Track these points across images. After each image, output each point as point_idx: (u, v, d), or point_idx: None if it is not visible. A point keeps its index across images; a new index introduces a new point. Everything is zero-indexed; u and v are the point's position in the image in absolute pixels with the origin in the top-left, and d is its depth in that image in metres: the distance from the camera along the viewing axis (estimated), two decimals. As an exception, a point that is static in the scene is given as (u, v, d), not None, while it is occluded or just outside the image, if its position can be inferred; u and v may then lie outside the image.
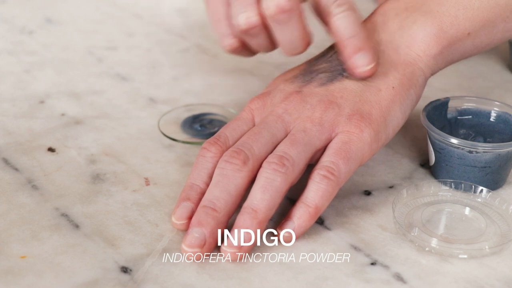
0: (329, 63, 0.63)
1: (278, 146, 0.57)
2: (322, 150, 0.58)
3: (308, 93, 0.60)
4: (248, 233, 0.54)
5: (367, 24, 0.64)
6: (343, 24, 0.60)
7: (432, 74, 0.63)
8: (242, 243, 0.54)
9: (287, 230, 0.56)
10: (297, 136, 0.58)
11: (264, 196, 0.55)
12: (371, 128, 0.58)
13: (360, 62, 0.60)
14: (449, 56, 0.63)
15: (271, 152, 0.57)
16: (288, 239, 0.56)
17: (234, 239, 0.54)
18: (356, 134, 0.58)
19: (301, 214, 0.56)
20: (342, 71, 0.61)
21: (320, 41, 0.69)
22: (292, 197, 0.59)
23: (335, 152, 0.57)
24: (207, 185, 0.57)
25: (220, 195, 0.55)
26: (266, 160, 0.56)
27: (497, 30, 0.64)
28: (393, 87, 0.60)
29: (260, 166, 0.57)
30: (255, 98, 0.62)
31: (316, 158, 0.58)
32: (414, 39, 0.62)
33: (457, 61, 0.65)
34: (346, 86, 0.60)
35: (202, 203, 0.56)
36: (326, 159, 0.57)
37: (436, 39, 0.62)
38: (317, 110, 0.59)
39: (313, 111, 0.59)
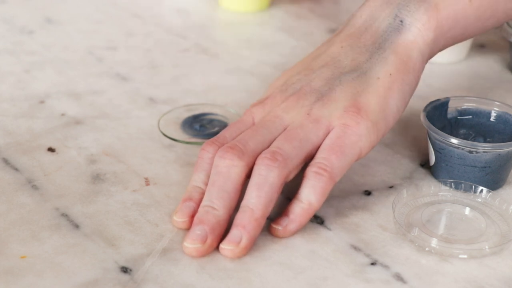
0: (328, 57, 0.62)
1: (274, 142, 0.58)
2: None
3: (308, 90, 0.60)
4: (246, 231, 0.54)
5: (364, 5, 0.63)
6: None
7: (431, 55, 0.63)
8: (240, 241, 0.54)
9: (282, 225, 0.56)
10: (292, 132, 0.58)
11: (260, 193, 0.55)
12: (368, 120, 0.58)
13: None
14: (450, 30, 0.62)
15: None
16: (282, 234, 0.56)
17: (232, 236, 0.54)
18: (351, 128, 0.58)
19: (294, 210, 0.56)
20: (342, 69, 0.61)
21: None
22: (292, 196, 0.58)
23: (328, 148, 0.57)
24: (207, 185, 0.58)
25: (217, 194, 0.56)
26: (259, 156, 0.57)
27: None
28: (390, 74, 0.60)
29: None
30: (256, 102, 0.62)
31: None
32: (418, 9, 0.61)
33: (459, 40, 0.63)
34: (345, 78, 0.60)
35: (202, 203, 0.56)
36: (319, 156, 0.57)
37: (435, 7, 0.61)
38: (314, 107, 0.59)
39: (310, 108, 0.59)
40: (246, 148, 0.57)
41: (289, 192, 0.58)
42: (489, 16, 0.63)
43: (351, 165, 0.58)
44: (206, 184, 0.58)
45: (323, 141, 0.58)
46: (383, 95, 0.59)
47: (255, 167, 0.56)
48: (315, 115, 0.59)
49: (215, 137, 0.60)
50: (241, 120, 0.61)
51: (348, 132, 0.58)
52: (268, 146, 0.58)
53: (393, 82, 0.60)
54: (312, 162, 0.57)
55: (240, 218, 0.55)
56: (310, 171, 0.57)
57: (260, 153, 0.57)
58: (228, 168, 0.56)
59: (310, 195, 0.56)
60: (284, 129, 0.59)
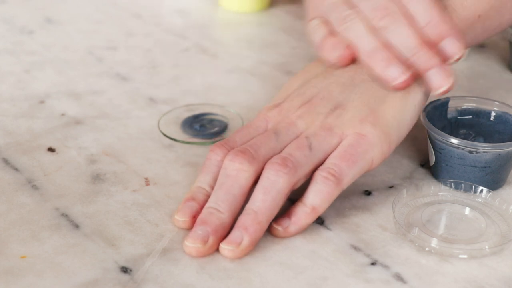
0: None
1: (285, 148, 0.57)
2: None
3: (325, 96, 0.60)
4: (248, 233, 0.54)
5: None
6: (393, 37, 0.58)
7: None
8: (241, 242, 0.54)
9: (283, 226, 0.56)
10: (304, 140, 0.57)
11: (266, 197, 0.55)
12: (381, 130, 0.58)
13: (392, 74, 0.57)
14: None
15: None
16: (282, 235, 0.56)
17: (233, 237, 0.54)
18: (364, 137, 0.58)
19: (297, 213, 0.56)
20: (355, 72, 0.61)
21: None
22: (295, 198, 0.58)
23: (339, 155, 0.57)
24: (213, 188, 0.57)
25: (224, 197, 0.55)
26: (269, 160, 0.56)
27: (505, 9, 0.63)
28: None
29: None
30: (272, 106, 0.62)
31: None
32: None
33: (468, 46, 0.63)
34: (363, 85, 0.60)
35: (207, 204, 0.56)
36: (329, 161, 0.57)
37: None
38: (330, 116, 0.59)
39: (325, 116, 0.59)
40: (258, 153, 0.57)
41: (291, 193, 0.58)
42: (495, 27, 0.64)
43: (361, 175, 0.58)
44: (211, 187, 0.58)
45: (335, 149, 0.58)
46: (398, 106, 0.59)
47: (264, 171, 0.56)
48: (329, 124, 0.58)
49: (225, 140, 0.59)
50: (253, 125, 0.61)
51: (360, 141, 0.57)
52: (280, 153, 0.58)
53: (409, 92, 0.60)
54: (322, 167, 0.57)
55: (243, 220, 0.55)
56: (319, 174, 0.56)
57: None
58: (237, 172, 0.56)
59: (315, 200, 0.56)
60: (297, 136, 0.59)
